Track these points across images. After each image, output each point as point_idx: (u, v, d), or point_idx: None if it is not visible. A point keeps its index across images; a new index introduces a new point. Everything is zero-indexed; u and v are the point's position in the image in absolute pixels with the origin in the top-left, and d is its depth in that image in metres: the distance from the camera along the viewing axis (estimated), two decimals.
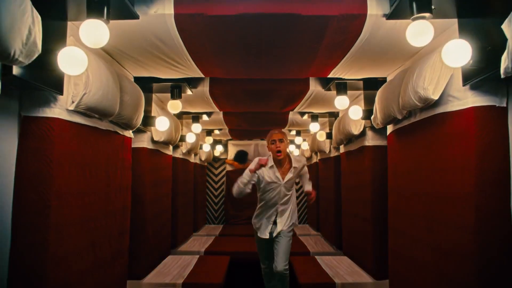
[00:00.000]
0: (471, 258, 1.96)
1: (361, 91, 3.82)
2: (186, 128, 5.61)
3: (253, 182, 3.35)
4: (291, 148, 7.82)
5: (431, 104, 2.27)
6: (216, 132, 6.69)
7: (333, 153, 5.38)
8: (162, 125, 3.51)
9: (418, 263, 2.58)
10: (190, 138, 5.06)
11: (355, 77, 3.19)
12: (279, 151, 3.22)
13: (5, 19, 1.27)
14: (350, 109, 3.55)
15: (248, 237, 5.27)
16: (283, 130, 3.41)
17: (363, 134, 3.88)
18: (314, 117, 5.04)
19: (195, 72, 2.94)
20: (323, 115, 5.13)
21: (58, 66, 1.79)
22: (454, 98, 2.12)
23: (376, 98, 3.10)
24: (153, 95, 3.84)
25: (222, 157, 8.25)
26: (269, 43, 2.39)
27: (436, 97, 2.15)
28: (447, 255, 2.22)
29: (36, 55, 1.52)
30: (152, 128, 3.75)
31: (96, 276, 2.51)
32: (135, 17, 1.96)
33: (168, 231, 4.83)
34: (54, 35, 1.86)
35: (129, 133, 3.08)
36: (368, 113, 3.52)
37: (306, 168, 3.54)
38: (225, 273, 4.10)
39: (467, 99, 2.02)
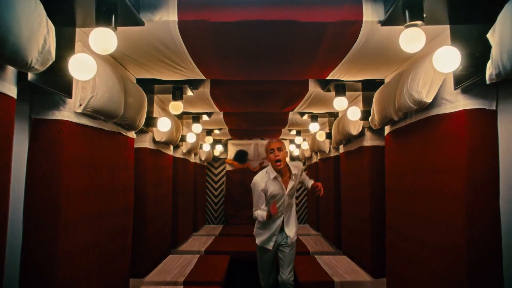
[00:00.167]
0: (461, 254, 2.09)
1: (360, 92, 3.95)
2: (187, 128, 5.74)
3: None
4: (291, 148, 7.97)
5: (425, 107, 2.41)
6: (216, 132, 6.82)
7: (333, 153, 5.52)
8: (164, 125, 3.64)
9: (414, 261, 2.71)
10: (191, 138, 5.19)
11: (354, 78, 3.32)
12: (278, 160, 3.28)
13: (25, 31, 1.41)
14: (349, 110, 3.69)
15: (248, 237, 5.41)
16: (280, 139, 3.49)
17: (361, 134, 4.01)
18: (314, 117, 5.18)
19: (197, 74, 3.07)
20: (323, 115, 5.26)
21: (67, 71, 1.92)
22: (447, 101, 2.26)
23: (374, 100, 3.24)
24: (155, 96, 3.98)
25: (222, 156, 8.38)
26: (268, 48, 2.53)
27: (429, 100, 2.29)
28: (440, 252, 2.35)
29: (50, 63, 1.66)
30: (154, 128, 3.89)
31: (101, 273, 2.65)
32: (141, 24, 2.09)
33: (168, 231, 4.97)
34: (63, 42, 1.99)
35: (132, 134, 3.22)
36: (366, 114, 3.64)
37: (303, 170, 3.64)
38: (225, 271, 4.25)
39: (459, 102, 2.16)
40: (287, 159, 7.53)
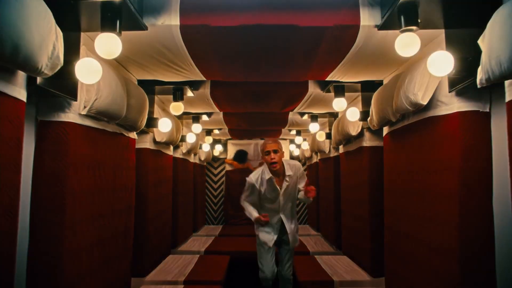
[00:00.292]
0: (455, 252, 2.20)
1: (359, 93, 4.05)
2: (186, 128, 5.84)
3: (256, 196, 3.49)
4: (292, 148, 8.07)
5: (421, 108, 2.51)
6: (216, 131, 6.90)
7: (333, 153, 5.61)
8: (164, 126, 3.74)
9: (412, 260, 2.81)
10: (191, 138, 5.29)
11: (352, 80, 3.42)
12: (273, 163, 3.27)
13: (36, 38, 1.51)
14: (348, 111, 3.79)
15: (248, 237, 5.52)
16: (277, 139, 3.39)
17: (361, 135, 4.11)
18: (314, 117, 5.27)
19: (198, 76, 3.18)
20: (323, 115, 5.35)
21: (73, 74, 2.03)
22: (442, 103, 2.36)
23: (372, 101, 3.34)
24: (155, 97, 4.08)
25: (222, 156, 8.46)
26: (268, 50, 2.65)
27: (425, 102, 2.39)
28: (435, 251, 2.44)
29: (59, 67, 1.76)
30: (155, 129, 3.99)
31: (104, 271, 2.75)
32: (144, 28, 2.20)
33: (168, 231, 5.08)
34: (69, 46, 2.08)
35: (133, 135, 3.32)
36: (366, 115, 3.73)
37: (301, 170, 3.57)
38: (225, 271, 4.35)
39: (453, 105, 2.26)
40: (287, 157, 7.65)
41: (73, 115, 2.26)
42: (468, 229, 2.17)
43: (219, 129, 6.72)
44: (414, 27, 2.02)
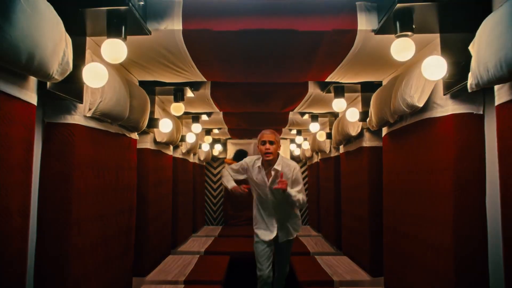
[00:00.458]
0: (450, 251, 2.33)
1: (359, 93, 4.18)
2: (186, 128, 5.96)
3: (241, 178, 3.60)
4: (292, 147, 8.19)
5: (418, 110, 2.65)
6: (215, 131, 7.00)
7: (333, 153, 5.73)
8: (165, 127, 3.87)
9: (409, 259, 2.94)
10: (190, 138, 5.41)
11: (352, 81, 3.55)
12: (268, 153, 3.30)
13: (49, 45, 1.64)
14: (347, 112, 3.92)
15: (248, 237, 5.64)
16: (274, 130, 3.44)
17: (361, 135, 4.24)
18: (314, 117, 5.38)
19: (198, 77, 3.31)
20: (323, 115, 5.46)
21: (79, 78, 2.16)
22: (438, 105, 2.50)
23: (371, 102, 3.48)
24: (156, 97, 4.21)
25: (221, 156, 8.56)
26: (268, 54, 2.80)
27: (421, 105, 2.53)
28: (432, 250, 2.58)
29: (68, 72, 1.89)
30: (155, 129, 4.12)
31: (107, 269, 2.89)
32: (148, 33, 2.33)
33: (168, 231, 5.21)
34: (75, 50, 2.22)
35: (135, 135, 3.46)
36: (365, 115, 3.83)
37: (298, 174, 3.45)
38: (225, 271, 4.48)
39: (448, 107, 2.40)
40: (287, 156, 7.75)
41: (78, 117, 2.39)
42: (462, 229, 2.30)
43: (219, 129, 6.82)
44: (409, 33, 2.16)
